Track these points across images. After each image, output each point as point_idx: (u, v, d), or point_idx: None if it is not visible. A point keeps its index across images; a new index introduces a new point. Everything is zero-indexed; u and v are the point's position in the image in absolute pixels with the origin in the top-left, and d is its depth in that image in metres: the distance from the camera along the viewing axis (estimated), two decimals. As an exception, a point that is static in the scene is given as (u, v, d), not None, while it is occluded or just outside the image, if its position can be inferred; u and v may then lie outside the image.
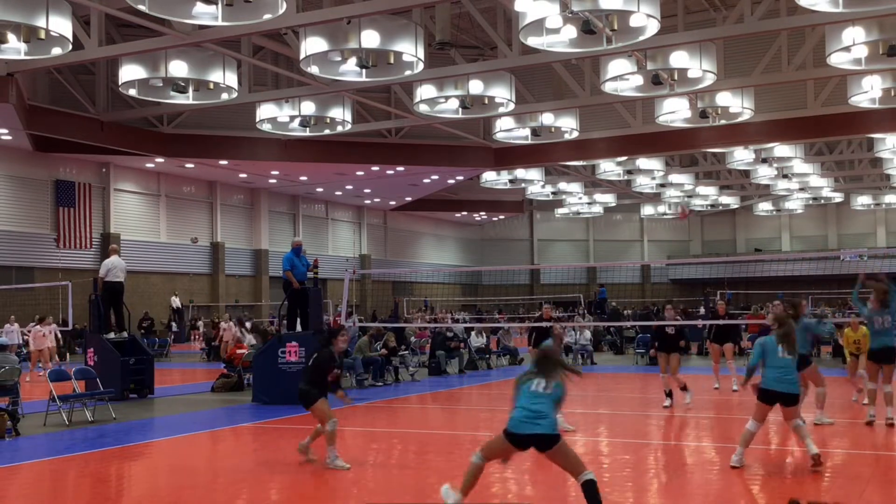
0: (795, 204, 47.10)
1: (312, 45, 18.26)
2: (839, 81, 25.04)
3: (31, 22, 16.32)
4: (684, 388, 13.76)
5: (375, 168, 34.48)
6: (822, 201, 46.10)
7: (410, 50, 18.43)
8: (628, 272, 52.35)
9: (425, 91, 22.88)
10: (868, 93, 23.08)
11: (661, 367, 14.15)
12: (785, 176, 36.78)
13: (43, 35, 16.81)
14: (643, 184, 39.90)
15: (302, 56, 18.60)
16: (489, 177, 37.20)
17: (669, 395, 13.79)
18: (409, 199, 44.83)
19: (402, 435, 11.74)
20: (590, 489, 6.43)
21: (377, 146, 32.09)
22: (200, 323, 34.47)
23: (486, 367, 22.72)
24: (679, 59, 20.10)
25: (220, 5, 15.55)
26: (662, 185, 40.14)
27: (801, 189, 41.61)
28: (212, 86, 21.57)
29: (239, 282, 39.78)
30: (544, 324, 14.34)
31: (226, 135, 30.34)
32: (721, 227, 55.51)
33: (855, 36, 18.71)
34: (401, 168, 34.38)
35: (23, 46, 17.22)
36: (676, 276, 51.97)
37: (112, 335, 16.77)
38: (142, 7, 15.67)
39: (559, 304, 42.46)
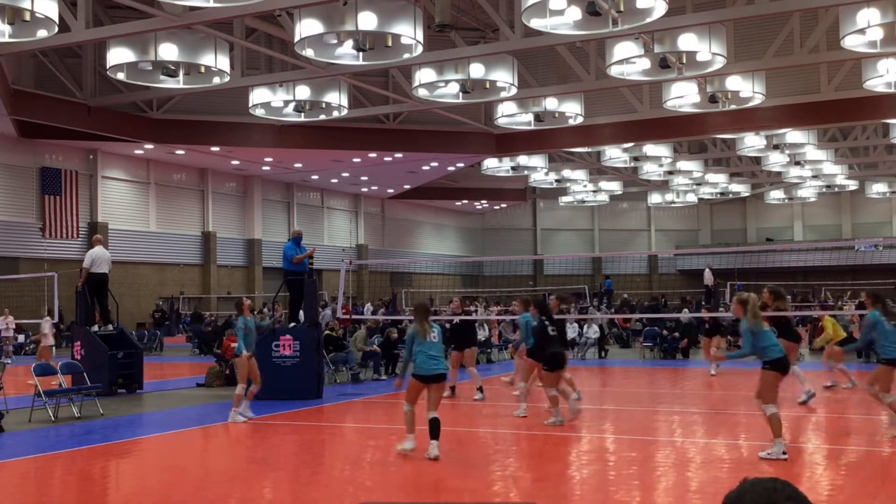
0: (808, 192, 46.45)
1: (307, 27, 17.77)
2: (854, 65, 24.59)
3: (16, 3, 15.87)
4: (480, 389, 14.72)
5: (373, 155, 33.96)
6: (836, 189, 45.33)
7: (409, 32, 17.96)
8: (635, 262, 51.60)
9: (424, 75, 22.49)
10: (884, 77, 22.60)
11: (454, 362, 15.06)
12: (797, 163, 36.14)
13: (28, 17, 16.36)
14: (650, 171, 39.23)
15: (296, 39, 18.14)
16: (490, 164, 36.62)
17: (480, 389, 14.77)
18: (407, 186, 44.29)
19: (400, 431, 11.29)
20: None
21: (374, 132, 31.52)
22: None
23: (487, 361, 22.32)
24: (688, 41, 19.68)
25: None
26: (670, 173, 39.51)
27: (814, 176, 40.95)
28: (203, 69, 21.15)
29: (231, 272, 39.17)
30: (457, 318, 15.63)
31: (218, 120, 29.78)
32: (731, 216, 54.69)
33: (870, 17, 18.26)
34: (399, 155, 33.89)
35: (7, 28, 16.81)
36: (685, 266, 51.27)
37: (96, 328, 16.51)
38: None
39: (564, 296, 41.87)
